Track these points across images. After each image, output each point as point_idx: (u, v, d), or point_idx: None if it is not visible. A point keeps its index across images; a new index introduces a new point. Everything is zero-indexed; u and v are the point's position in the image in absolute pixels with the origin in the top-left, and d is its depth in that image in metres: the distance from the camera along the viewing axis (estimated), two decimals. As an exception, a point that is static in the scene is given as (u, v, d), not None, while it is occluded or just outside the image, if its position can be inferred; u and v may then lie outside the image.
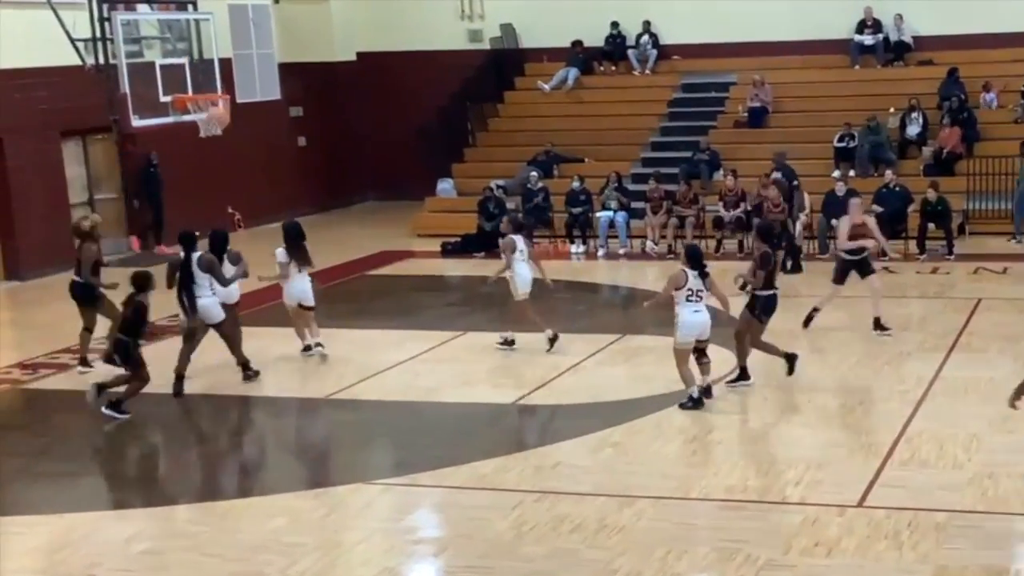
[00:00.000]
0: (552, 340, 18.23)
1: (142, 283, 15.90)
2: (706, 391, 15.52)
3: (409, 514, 12.68)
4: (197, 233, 17.17)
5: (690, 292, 15.14)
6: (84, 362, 18.12)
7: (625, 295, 23.39)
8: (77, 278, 17.98)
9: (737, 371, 16.19)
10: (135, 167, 27.79)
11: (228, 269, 17.33)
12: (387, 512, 12.71)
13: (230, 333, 17.32)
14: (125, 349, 15.85)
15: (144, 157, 27.60)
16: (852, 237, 18.45)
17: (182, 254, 16.92)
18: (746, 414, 15.26)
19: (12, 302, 23.62)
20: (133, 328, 15.85)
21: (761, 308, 15.97)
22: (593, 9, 32.44)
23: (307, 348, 18.49)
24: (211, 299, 16.96)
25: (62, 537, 12.31)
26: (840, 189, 23.75)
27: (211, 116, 23.58)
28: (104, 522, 12.84)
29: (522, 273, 18.22)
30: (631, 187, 27.69)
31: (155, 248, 27.86)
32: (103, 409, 15.78)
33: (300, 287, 18.19)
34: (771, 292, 16.01)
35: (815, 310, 18.71)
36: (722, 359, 16.65)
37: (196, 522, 12.68)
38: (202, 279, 16.85)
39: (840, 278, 18.67)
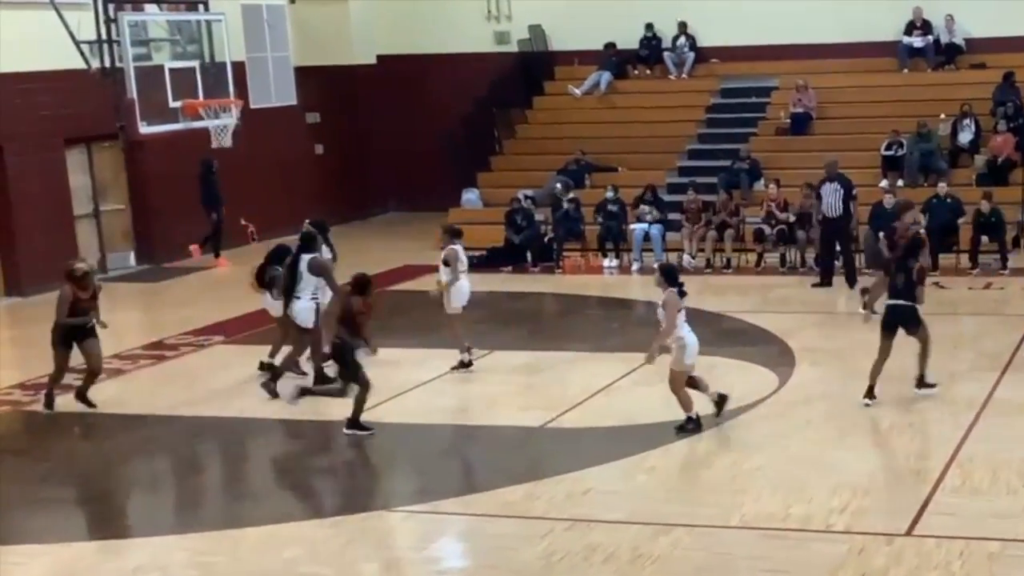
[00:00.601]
0: (465, 364, 18.37)
1: (362, 286, 16.01)
2: (719, 400, 15.65)
3: (432, 543, 12.71)
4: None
5: (684, 312, 15.20)
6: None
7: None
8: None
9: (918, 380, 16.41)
10: (195, 173, 27.88)
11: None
12: (409, 541, 12.77)
13: (314, 347, 17.40)
14: (342, 352, 15.75)
15: (204, 164, 27.67)
16: None
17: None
18: (788, 438, 15.22)
19: (13, 319, 23.69)
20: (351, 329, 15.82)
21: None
22: (626, 10, 32.42)
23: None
24: (310, 303, 17.28)
25: (66, 568, 12.37)
26: (888, 201, 23.59)
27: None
28: (110, 552, 12.89)
29: (461, 286, 18.33)
30: (667, 197, 27.70)
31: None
32: (344, 430, 15.79)
33: None
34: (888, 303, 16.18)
35: None
36: (762, 380, 16.66)
37: (207, 552, 12.68)
38: (307, 281, 17.13)
39: None
